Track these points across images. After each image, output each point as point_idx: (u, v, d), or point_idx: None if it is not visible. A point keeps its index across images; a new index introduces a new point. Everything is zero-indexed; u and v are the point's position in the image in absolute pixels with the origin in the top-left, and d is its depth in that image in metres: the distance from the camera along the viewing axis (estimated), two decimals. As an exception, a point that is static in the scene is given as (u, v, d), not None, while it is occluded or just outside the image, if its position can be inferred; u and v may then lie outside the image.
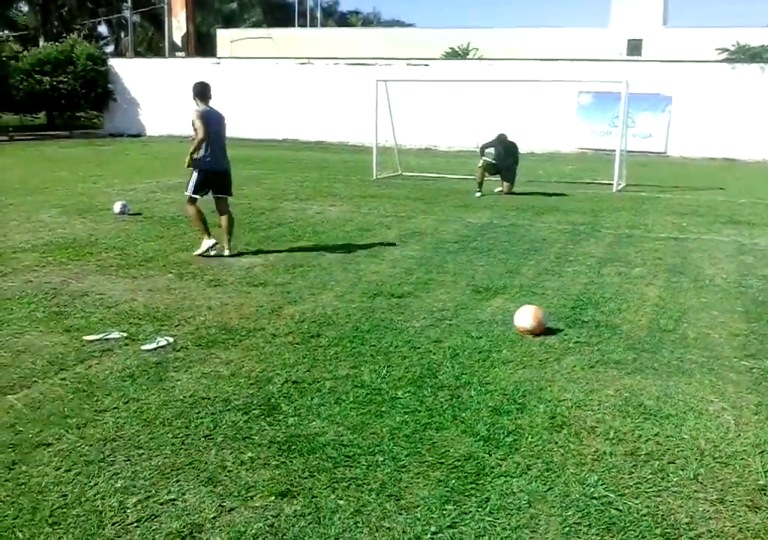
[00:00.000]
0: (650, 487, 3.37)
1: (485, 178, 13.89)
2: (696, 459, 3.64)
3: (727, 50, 30.17)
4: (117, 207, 10.80)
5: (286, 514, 3.10)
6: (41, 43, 37.81)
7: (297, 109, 28.70)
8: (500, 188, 14.26)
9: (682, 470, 3.52)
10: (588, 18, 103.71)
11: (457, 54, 33.98)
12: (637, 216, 11.54)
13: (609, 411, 4.18)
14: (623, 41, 34.52)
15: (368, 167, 16.66)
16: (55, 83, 30.60)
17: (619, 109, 16.30)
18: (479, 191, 13.77)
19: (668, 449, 3.74)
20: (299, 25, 46.04)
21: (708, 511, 3.20)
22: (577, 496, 3.29)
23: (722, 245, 9.26)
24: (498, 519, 3.10)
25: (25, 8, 47.54)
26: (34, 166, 18.11)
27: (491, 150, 13.98)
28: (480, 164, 13.93)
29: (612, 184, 14.90)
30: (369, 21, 60.30)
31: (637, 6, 35.20)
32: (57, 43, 33.35)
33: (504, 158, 13.87)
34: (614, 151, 15.73)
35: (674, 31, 34.69)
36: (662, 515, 3.15)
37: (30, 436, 3.74)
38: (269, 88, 29.20)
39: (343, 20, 58.66)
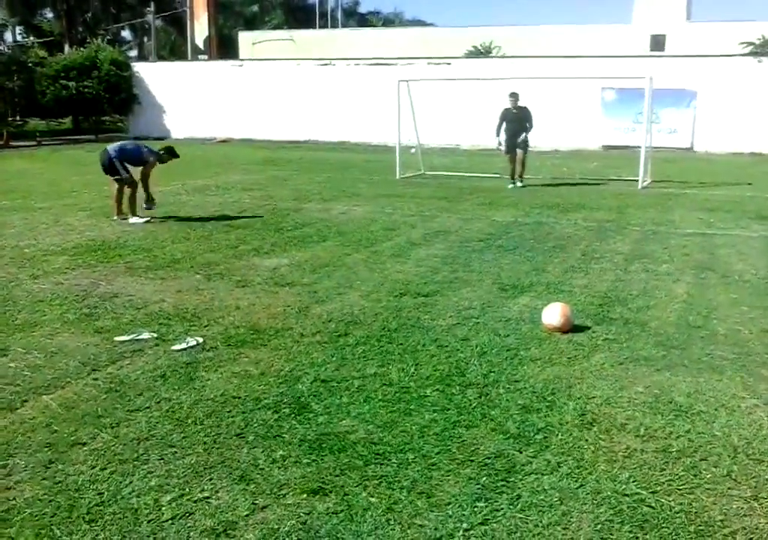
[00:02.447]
0: (683, 484, 3.35)
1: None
2: (729, 456, 3.61)
3: (752, 44, 29.87)
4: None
5: (318, 511, 3.12)
6: (66, 48, 38.25)
7: (319, 110, 28.77)
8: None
9: (715, 467, 3.50)
10: (610, 14, 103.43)
11: (479, 52, 33.91)
12: (663, 212, 11.44)
13: (639, 408, 4.16)
14: (646, 37, 34.28)
15: (391, 167, 16.66)
16: (80, 88, 30.93)
17: (643, 105, 16.16)
18: (512, 182, 14.09)
19: (700, 446, 3.71)
20: (320, 27, 46.20)
21: (742, 508, 3.17)
22: (609, 493, 3.28)
23: (750, 241, 9.16)
24: (530, 516, 3.10)
25: (50, 14, 48.14)
26: (61, 170, 18.35)
27: (502, 132, 14.22)
28: (503, 151, 14.13)
29: (637, 181, 14.78)
30: (390, 21, 60.31)
31: (660, 1, 34.93)
32: (81, 49, 33.73)
33: (517, 135, 14.10)
34: (639, 147, 15.62)
35: (698, 25, 34.38)
36: (695, 512, 3.13)
37: (65, 435, 3.80)
38: (291, 89, 29.31)
39: (364, 21, 58.71)
